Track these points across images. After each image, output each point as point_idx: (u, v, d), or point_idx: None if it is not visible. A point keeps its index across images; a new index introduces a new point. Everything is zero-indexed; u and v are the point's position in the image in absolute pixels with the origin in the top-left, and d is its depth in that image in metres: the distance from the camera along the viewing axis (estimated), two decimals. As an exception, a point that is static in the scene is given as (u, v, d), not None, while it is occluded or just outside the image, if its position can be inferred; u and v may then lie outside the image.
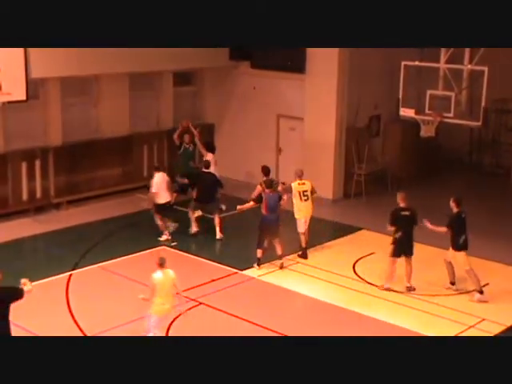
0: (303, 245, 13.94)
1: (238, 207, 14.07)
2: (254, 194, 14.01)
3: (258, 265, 13.38)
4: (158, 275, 9.83)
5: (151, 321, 10.00)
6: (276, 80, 18.26)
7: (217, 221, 14.90)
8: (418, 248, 12.64)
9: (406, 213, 12.34)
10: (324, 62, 17.13)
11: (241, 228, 15.46)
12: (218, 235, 14.81)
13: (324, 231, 15.89)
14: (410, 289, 12.41)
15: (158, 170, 14.85)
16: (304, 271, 13.35)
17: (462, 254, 12.13)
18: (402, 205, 12.36)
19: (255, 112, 18.89)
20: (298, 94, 17.85)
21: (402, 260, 12.44)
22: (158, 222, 14.62)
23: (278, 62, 17.96)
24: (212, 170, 15.64)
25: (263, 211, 13.34)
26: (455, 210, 12.19)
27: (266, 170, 14.60)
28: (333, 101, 17.26)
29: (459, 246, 12.13)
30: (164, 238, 14.56)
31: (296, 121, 18.15)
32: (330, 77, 17.17)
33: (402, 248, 12.33)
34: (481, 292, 12.18)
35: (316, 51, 17.02)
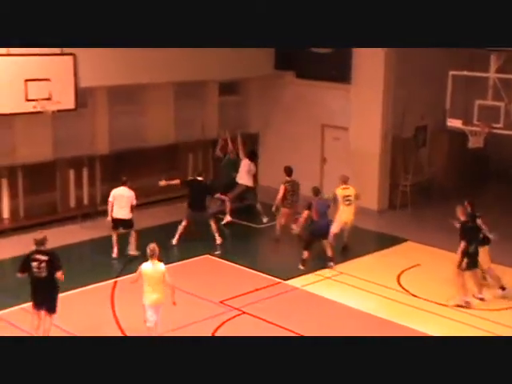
0: (329, 253, 13.92)
1: (294, 226, 14.55)
2: (280, 195, 14.86)
3: (303, 265, 13.52)
4: (146, 266, 10.30)
5: (146, 311, 10.40)
6: (321, 90, 18.22)
7: (213, 227, 14.92)
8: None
9: (473, 224, 12.13)
10: (370, 71, 17.05)
11: (285, 238, 15.44)
12: (218, 240, 14.87)
13: (369, 242, 15.77)
14: (483, 299, 12.32)
15: (125, 183, 14.16)
16: (348, 282, 13.24)
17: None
18: (462, 218, 12.17)
19: (300, 122, 18.86)
20: (342, 103, 17.78)
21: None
22: (114, 237, 14.19)
23: (323, 72, 17.92)
24: (244, 177, 16.31)
25: (314, 217, 13.63)
26: (462, 218, 12.07)
27: (288, 170, 15.36)
28: (378, 111, 17.15)
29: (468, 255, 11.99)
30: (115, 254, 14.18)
31: (341, 131, 18.08)
32: (375, 86, 17.07)
33: (472, 261, 12.11)
34: (503, 288, 12.28)
35: (361, 61, 16.95)
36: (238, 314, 11.74)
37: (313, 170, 18.71)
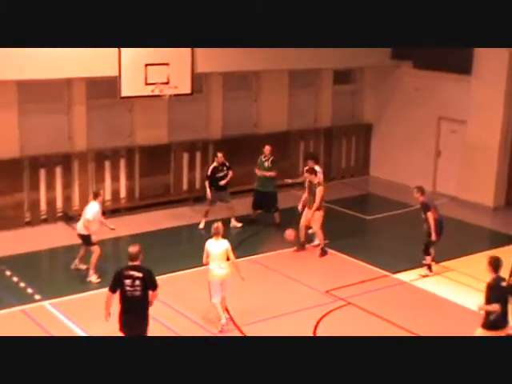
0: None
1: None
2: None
3: (430, 270, 13.00)
4: (210, 243, 10.48)
5: (211, 287, 10.56)
6: (439, 81, 17.71)
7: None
8: None
9: None
10: (493, 63, 16.39)
11: (396, 231, 15.19)
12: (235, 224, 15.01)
13: (482, 240, 15.24)
14: None
15: (96, 196, 12.54)
16: (458, 279, 12.87)
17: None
18: None
19: (415, 113, 18.43)
20: (461, 95, 17.22)
21: None
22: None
23: (443, 63, 17.38)
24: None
25: (435, 216, 12.62)
26: (492, 274, 9.14)
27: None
28: (500, 104, 16.50)
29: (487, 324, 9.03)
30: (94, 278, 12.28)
31: (458, 124, 17.52)
32: (498, 79, 16.41)
33: None
34: None
35: (484, 52, 16.30)
36: (344, 305, 11.66)
37: (426, 162, 18.27)
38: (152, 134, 16.24)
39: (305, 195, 13.85)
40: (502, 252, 14.38)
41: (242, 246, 14.05)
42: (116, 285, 8.86)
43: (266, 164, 15.22)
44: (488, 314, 8.89)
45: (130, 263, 8.87)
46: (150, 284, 8.84)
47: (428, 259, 12.98)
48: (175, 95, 15.28)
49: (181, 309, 11.21)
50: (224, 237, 10.63)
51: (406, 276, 12.89)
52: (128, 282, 8.74)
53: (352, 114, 19.68)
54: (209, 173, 14.96)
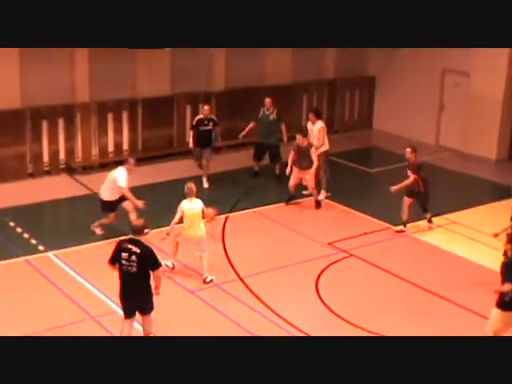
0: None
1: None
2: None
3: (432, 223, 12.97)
4: (184, 203, 10.58)
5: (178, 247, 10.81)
6: (444, 32, 17.45)
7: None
8: None
9: None
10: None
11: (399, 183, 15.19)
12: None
13: (484, 192, 15.28)
14: None
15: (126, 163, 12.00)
16: (460, 231, 12.92)
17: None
18: None
19: (419, 66, 18.23)
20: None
21: None
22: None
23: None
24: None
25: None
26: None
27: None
28: (504, 54, 16.30)
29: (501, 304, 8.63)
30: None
31: (462, 76, 17.36)
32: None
33: None
34: None
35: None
36: (346, 257, 11.75)
37: (429, 116, 18.17)
38: (155, 86, 16.12)
39: (291, 156, 13.55)
40: (504, 205, 14.48)
41: (246, 198, 14.11)
42: (115, 256, 8.40)
43: (272, 117, 15.09)
44: (503, 294, 8.44)
45: (132, 236, 8.40)
46: (148, 263, 8.25)
47: (428, 214, 12.91)
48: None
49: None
50: (197, 196, 10.68)
51: (408, 228, 12.94)
52: (124, 255, 8.24)
53: (356, 67, 19.48)
54: (194, 123, 14.84)
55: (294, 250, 11.97)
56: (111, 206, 11.88)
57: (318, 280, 10.90)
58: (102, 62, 15.40)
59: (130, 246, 8.26)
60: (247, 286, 10.64)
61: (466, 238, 12.69)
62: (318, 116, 14.37)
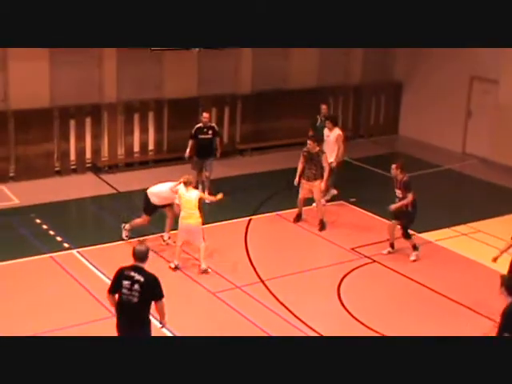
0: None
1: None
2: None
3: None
4: (182, 189, 10.93)
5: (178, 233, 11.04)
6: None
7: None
8: None
9: None
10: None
11: (423, 191, 15.07)
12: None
13: (510, 201, 15.13)
14: None
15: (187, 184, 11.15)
16: (484, 240, 12.82)
17: None
18: None
19: (447, 72, 18.13)
20: (495, 54, 16.86)
21: None
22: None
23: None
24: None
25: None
26: None
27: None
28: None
29: None
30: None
31: (491, 84, 17.22)
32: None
33: None
34: None
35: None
36: (369, 263, 11.71)
37: (456, 123, 18.05)
38: (181, 87, 16.22)
39: (300, 166, 12.83)
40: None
41: (269, 201, 14.12)
42: (115, 285, 7.58)
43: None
44: None
45: (135, 263, 7.57)
46: (151, 293, 7.45)
47: (413, 239, 11.97)
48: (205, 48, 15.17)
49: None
50: (195, 187, 11.14)
51: (431, 236, 12.87)
52: (126, 283, 7.43)
53: (382, 72, 19.42)
54: (192, 131, 14.01)
55: (317, 254, 11.98)
56: (153, 210, 11.72)
57: (339, 285, 10.88)
58: (130, 62, 15.56)
59: (132, 274, 7.45)
60: (268, 289, 10.65)
61: (490, 247, 12.57)
62: (335, 123, 14.07)
